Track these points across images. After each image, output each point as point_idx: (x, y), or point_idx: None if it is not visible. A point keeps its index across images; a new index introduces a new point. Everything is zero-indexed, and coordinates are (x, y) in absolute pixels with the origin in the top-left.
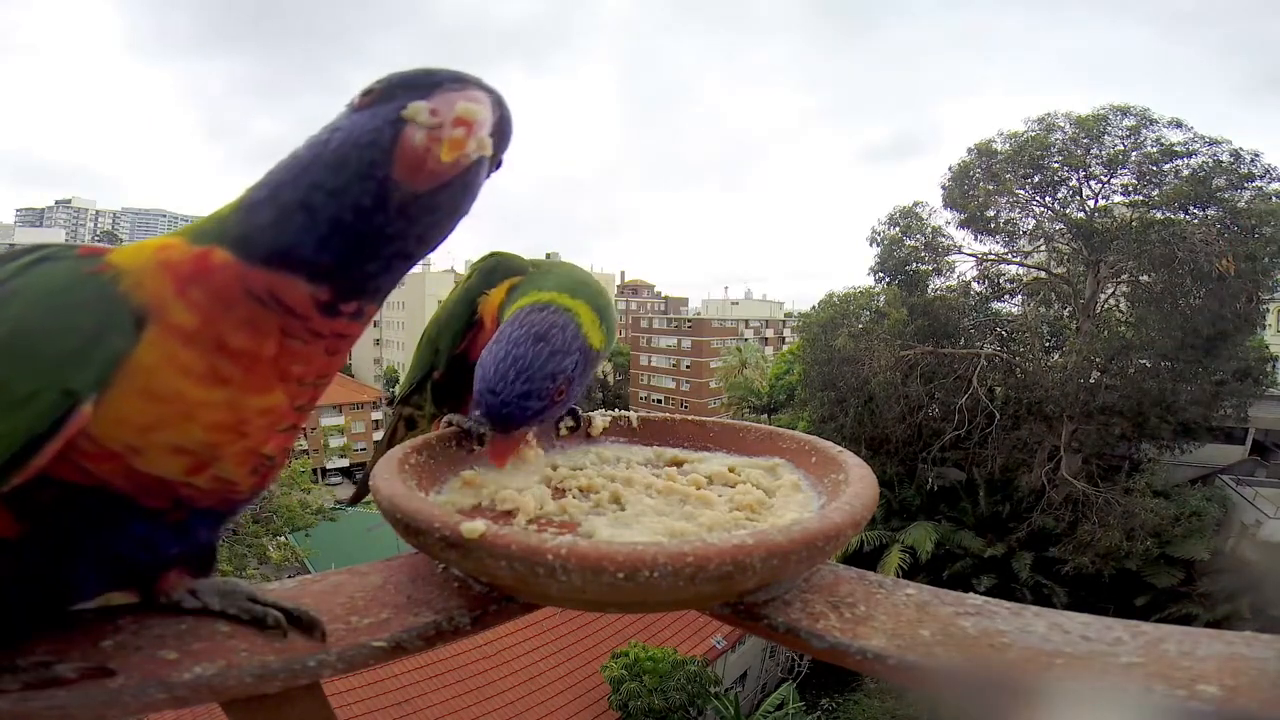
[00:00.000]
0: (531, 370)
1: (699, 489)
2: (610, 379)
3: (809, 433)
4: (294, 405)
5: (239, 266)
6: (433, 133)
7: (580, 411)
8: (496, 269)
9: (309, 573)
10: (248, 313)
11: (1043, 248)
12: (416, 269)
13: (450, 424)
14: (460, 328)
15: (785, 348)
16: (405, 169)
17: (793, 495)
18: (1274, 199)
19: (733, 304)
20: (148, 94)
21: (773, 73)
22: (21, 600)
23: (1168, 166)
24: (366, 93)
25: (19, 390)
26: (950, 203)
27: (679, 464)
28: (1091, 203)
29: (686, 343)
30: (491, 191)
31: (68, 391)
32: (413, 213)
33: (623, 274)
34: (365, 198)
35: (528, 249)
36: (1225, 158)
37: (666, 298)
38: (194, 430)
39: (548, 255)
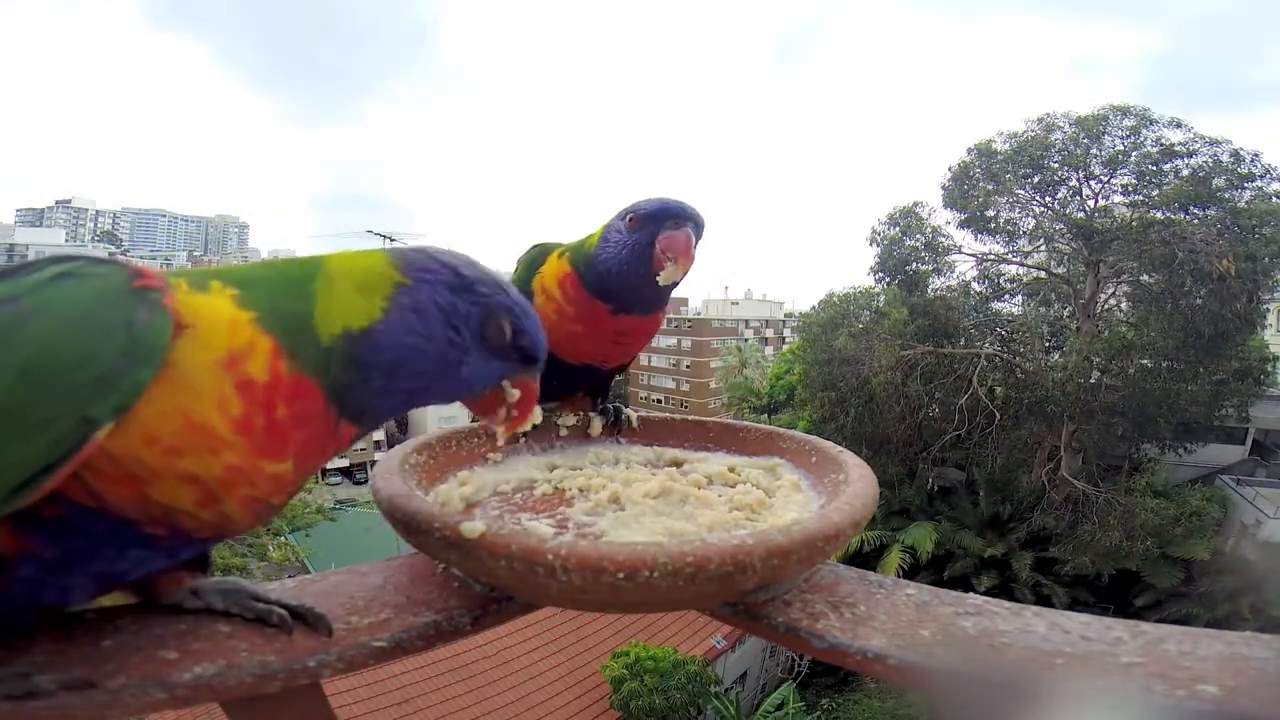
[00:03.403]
0: None
1: (699, 489)
2: None
3: (809, 433)
4: (298, 479)
5: (324, 400)
6: (510, 412)
7: (622, 408)
8: (539, 256)
9: (309, 573)
10: (310, 415)
11: (1043, 248)
12: None
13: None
14: None
15: (785, 348)
16: (473, 409)
17: (793, 495)
18: (1274, 199)
19: (733, 304)
20: (149, 91)
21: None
22: (12, 610)
23: (1168, 166)
24: (498, 331)
25: (36, 415)
26: (950, 203)
27: (679, 464)
28: (1091, 203)
29: (686, 343)
30: (491, 193)
31: (86, 419)
32: None
33: None
34: (429, 402)
35: (526, 246)
36: (1225, 158)
37: None
38: (213, 465)
39: None
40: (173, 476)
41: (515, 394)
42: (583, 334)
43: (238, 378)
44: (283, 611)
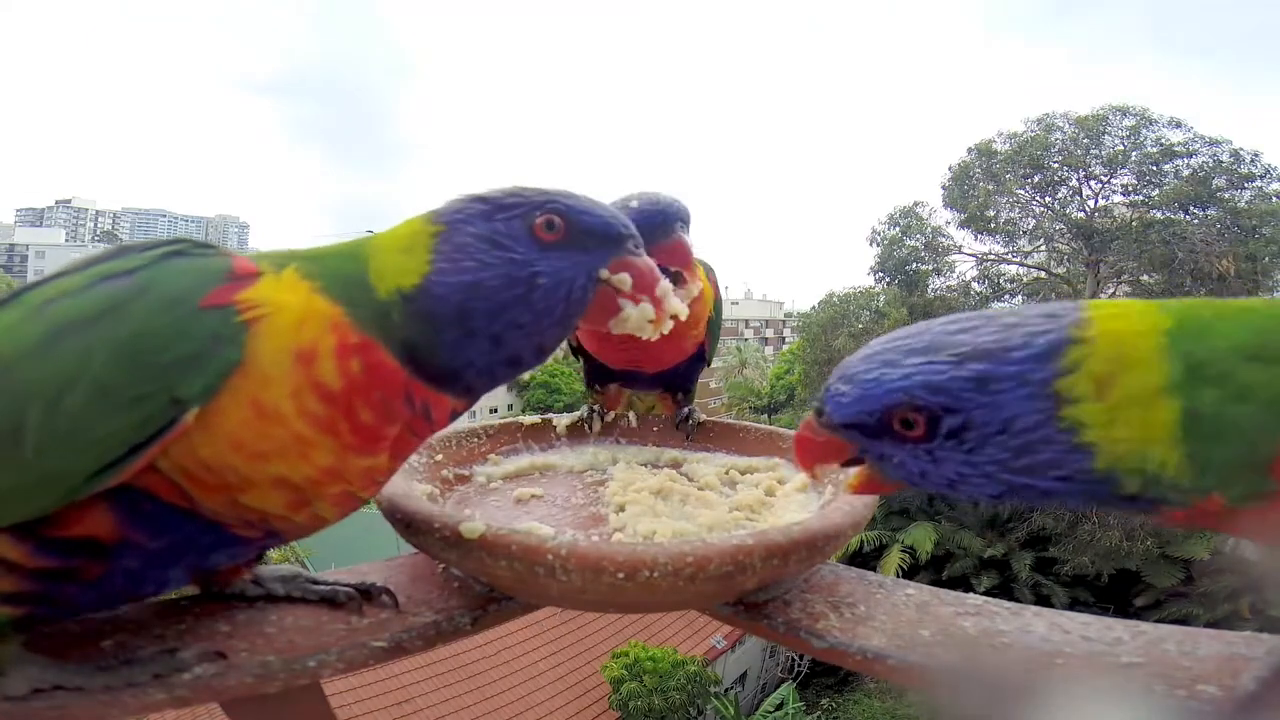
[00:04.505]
0: None
1: (699, 489)
2: None
3: None
4: (392, 469)
5: (404, 376)
6: (636, 301)
7: (694, 411)
8: None
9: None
10: (394, 407)
11: (1043, 248)
12: None
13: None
14: None
15: (785, 348)
16: (593, 321)
17: (793, 495)
18: (1274, 199)
19: (733, 304)
20: (150, 89)
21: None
22: (113, 597)
23: (1168, 166)
24: (549, 226)
25: (129, 393)
26: (950, 203)
27: (679, 464)
28: (1091, 203)
29: None
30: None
31: (175, 399)
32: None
33: None
34: (553, 340)
35: None
36: (1225, 158)
37: None
38: (304, 466)
39: None
40: (264, 481)
41: (625, 278)
42: (607, 339)
43: (313, 371)
44: (349, 589)
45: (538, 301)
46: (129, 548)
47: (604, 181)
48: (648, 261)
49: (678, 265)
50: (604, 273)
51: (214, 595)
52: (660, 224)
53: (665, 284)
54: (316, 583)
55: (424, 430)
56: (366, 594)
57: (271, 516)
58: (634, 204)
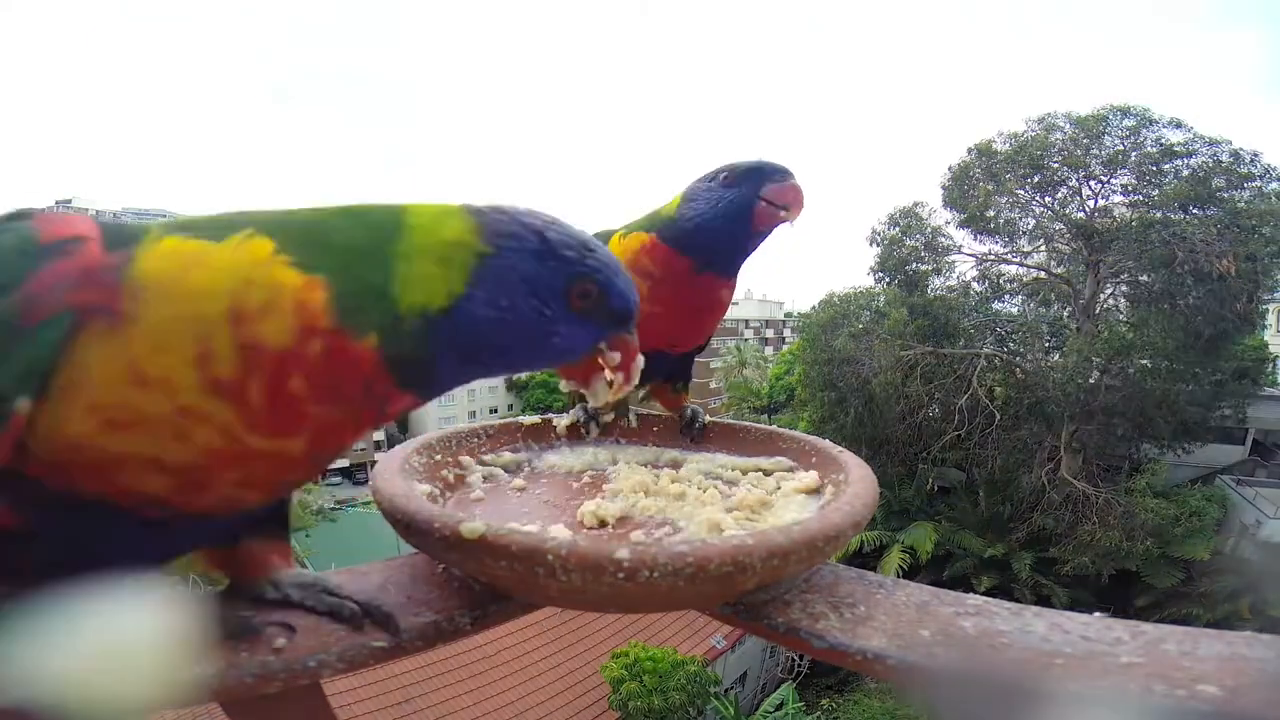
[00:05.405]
0: None
1: (699, 489)
2: None
3: (809, 433)
4: (318, 455)
5: (375, 365)
6: (615, 372)
7: (699, 411)
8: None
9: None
10: (343, 389)
11: (1043, 248)
12: None
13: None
14: None
15: (785, 348)
16: (573, 379)
17: (793, 495)
18: (1274, 199)
19: (733, 304)
20: (150, 89)
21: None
22: (50, 576)
23: (1168, 166)
24: (584, 295)
25: None
26: (950, 203)
27: (679, 464)
28: (1091, 203)
29: None
30: (483, 191)
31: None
32: None
33: None
34: (520, 370)
35: None
36: (1225, 158)
37: None
38: (178, 449)
39: None
40: (137, 463)
41: (615, 356)
42: (658, 311)
43: (244, 330)
44: (354, 607)
45: (541, 355)
46: (46, 535)
47: (603, 181)
48: (634, 339)
49: (788, 202)
50: (602, 344)
51: (236, 591)
52: (778, 168)
53: (639, 361)
54: (331, 593)
55: (370, 421)
56: (370, 614)
57: (168, 499)
58: (759, 158)
